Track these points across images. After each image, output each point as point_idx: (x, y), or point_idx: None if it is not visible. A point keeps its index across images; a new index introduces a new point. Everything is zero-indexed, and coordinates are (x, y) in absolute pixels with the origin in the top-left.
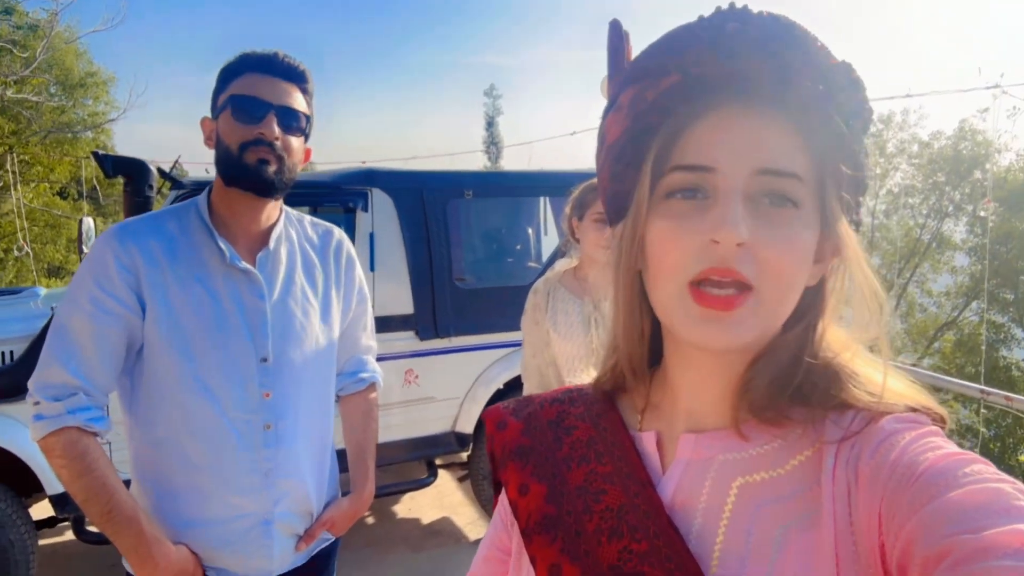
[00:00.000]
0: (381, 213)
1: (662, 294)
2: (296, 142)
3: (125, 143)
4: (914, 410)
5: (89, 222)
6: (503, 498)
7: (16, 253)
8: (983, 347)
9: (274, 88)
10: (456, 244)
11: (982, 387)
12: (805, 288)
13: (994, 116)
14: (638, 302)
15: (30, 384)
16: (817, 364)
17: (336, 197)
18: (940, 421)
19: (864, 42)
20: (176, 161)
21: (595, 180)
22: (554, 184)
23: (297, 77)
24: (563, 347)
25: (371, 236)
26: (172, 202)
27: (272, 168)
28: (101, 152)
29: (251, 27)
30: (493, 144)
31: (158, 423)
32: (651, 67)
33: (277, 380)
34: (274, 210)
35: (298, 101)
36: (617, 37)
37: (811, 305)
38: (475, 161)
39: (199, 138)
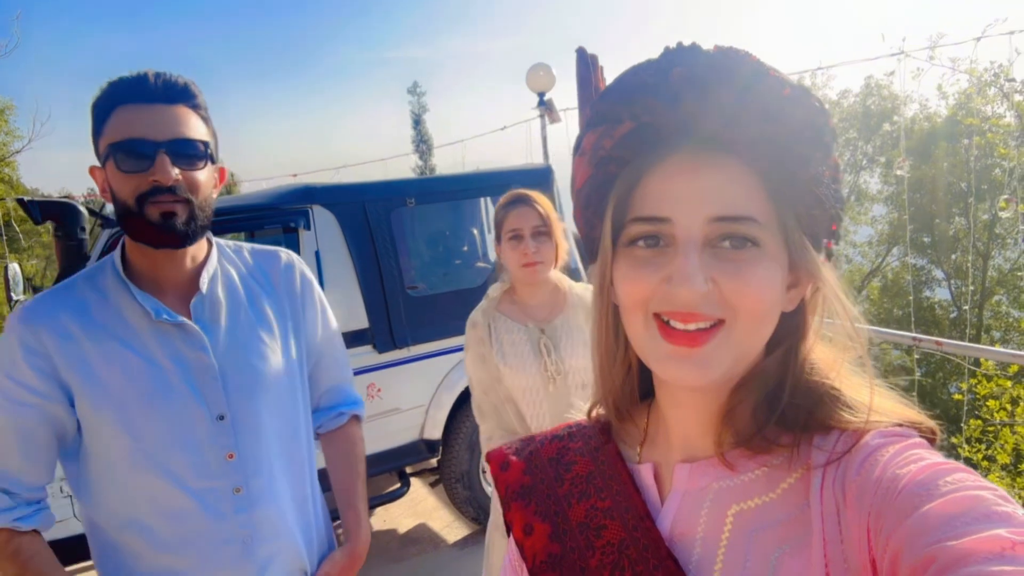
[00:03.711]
0: (324, 230)
1: (633, 328)
2: (202, 174)
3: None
4: (900, 425)
5: (15, 268)
6: (511, 539)
7: None
8: (911, 296)
9: (157, 118)
10: (404, 253)
11: (914, 335)
12: (783, 313)
13: (901, 79)
14: (615, 341)
15: None
16: (801, 387)
17: (275, 218)
18: (929, 434)
19: (773, 10)
20: (104, 203)
21: (506, 195)
22: (493, 183)
23: (180, 95)
24: (516, 380)
25: (317, 254)
26: (107, 241)
27: (181, 219)
28: (27, 198)
29: (158, 44)
30: (423, 142)
31: (115, 507)
32: (607, 113)
33: (240, 437)
34: (199, 249)
35: (191, 126)
36: (584, 65)
37: (791, 329)
38: (408, 163)
39: None
